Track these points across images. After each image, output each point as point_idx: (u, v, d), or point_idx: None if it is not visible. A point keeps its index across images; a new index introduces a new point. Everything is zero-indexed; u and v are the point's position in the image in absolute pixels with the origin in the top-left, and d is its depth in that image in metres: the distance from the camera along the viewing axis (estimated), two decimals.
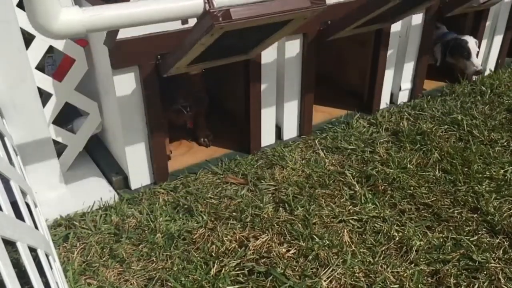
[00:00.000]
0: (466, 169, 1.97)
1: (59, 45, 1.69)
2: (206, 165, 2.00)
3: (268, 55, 1.96)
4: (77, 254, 1.55)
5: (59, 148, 1.85)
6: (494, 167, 1.98)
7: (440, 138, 2.19)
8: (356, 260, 1.52)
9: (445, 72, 2.80)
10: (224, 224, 1.67)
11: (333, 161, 2.05)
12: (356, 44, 2.44)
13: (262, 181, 1.90)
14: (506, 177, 1.92)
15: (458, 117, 2.35)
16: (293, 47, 2.03)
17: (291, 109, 2.18)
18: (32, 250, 0.94)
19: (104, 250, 1.57)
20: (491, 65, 2.90)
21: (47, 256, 1.10)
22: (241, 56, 1.76)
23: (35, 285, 0.83)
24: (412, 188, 1.86)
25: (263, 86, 2.01)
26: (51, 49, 1.99)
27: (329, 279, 1.46)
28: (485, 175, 1.93)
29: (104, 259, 1.53)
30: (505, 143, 2.15)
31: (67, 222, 1.68)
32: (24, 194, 1.23)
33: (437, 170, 1.97)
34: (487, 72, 2.89)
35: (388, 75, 2.43)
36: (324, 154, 2.10)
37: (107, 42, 1.56)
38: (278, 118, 2.18)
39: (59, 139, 1.83)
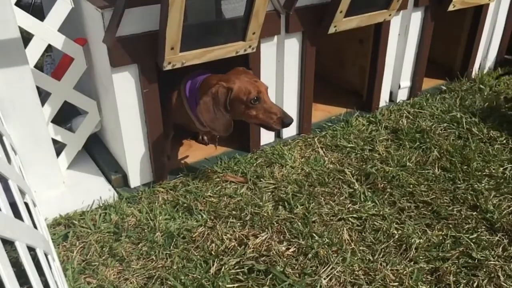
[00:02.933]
0: (465, 167, 1.97)
1: (58, 44, 1.69)
2: (205, 163, 2.00)
3: (268, 52, 1.96)
4: (77, 253, 1.55)
5: (58, 147, 1.85)
6: (493, 165, 1.98)
7: (440, 136, 2.19)
8: (355, 258, 1.52)
9: (444, 70, 2.81)
10: (223, 223, 1.67)
11: (333, 159, 2.05)
12: (355, 42, 2.44)
13: (261, 179, 1.90)
14: (505, 175, 1.92)
15: (457, 115, 2.35)
16: (292, 45, 2.02)
17: (291, 107, 2.18)
18: (31, 250, 0.94)
19: (104, 249, 1.57)
20: (490, 63, 2.90)
21: (46, 255, 1.09)
22: (239, 44, 1.76)
23: (34, 284, 0.83)
24: (411, 186, 1.86)
25: None
26: (50, 48, 2.00)
27: (329, 277, 1.46)
28: (484, 173, 1.93)
29: (103, 258, 1.53)
30: (504, 141, 2.15)
31: (67, 221, 1.68)
32: (22, 193, 1.23)
33: (436, 168, 1.97)
34: (486, 70, 2.88)
35: (387, 73, 2.42)
36: (324, 152, 2.10)
37: (106, 40, 1.56)
38: None
39: (58, 138, 1.83)
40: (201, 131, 2.00)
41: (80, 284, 1.44)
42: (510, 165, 1.98)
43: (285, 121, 1.67)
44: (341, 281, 1.45)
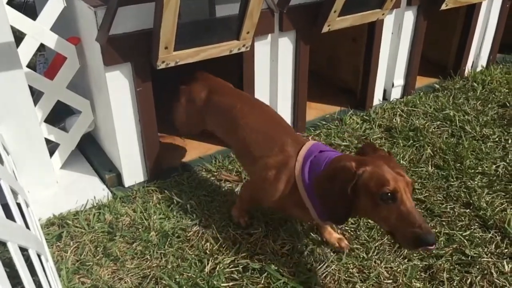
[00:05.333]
0: (458, 164, 1.98)
1: (50, 43, 1.68)
2: (199, 162, 2.00)
3: (262, 51, 1.96)
4: (71, 253, 1.55)
5: (52, 147, 1.84)
6: (486, 163, 1.99)
7: (433, 134, 2.21)
8: (350, 256, 1.53)
9: (437, 69, 2.83)
10: (218, 221, 1.67)
11: None
12: (349, 40, 2.45)
13: None
14: (498, 172, 1.93)
15: (450, 113, 2.36)
16: (286, 43, 2.03)
17: (285, 106, 2.18)
18: (24, 250, 0.93)
19: (98, 248, 1.56)
20: (483, 61, 2.92)
21: (39, 256, 1.09)
22: (233, 42, 1.75)
23: (26, 285, 0.83)
24: None
25: (256, 83, 2.00)
26: (42, 47, 1.98)
27: (324, 275, 1.46)
28: (477, 171, 1.94)
29: (98, 257, 1.53)
30: (497, 139, 2.17)
31: (60, 221, 1.67)
32: (15, 194, 1.23)
33: (429, 166, 1.98)
34: (479, 68, 2.90)
35: (381, 72, 2.43)
36: None
37: (99, 38, 1.55)
38: None
39: (51, 138, 1.82)
40: (321, 225, 1.57)
41: (74, 284, 1.43)
42: (503, 162, 1.99)
43: (424, 239, 1.11)
44: (335, 278, 1.45)
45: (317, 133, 2.22)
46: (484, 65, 2.93)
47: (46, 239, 1.58)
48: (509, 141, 2.14)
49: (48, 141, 1.78)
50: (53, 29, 1.66)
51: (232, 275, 1.46)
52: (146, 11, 1.57)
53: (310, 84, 2.21)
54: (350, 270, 1.48)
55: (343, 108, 2.44)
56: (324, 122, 2.31)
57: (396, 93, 2.57)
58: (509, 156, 2.02)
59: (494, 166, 1.97)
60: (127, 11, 1.55)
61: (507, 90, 2.62)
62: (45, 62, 2.50)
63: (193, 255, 1.53)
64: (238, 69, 1.96)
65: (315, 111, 2.41)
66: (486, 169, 1.95)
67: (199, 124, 1.84)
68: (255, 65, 1.96)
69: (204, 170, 1.96)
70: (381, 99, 2.53)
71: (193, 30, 1.65)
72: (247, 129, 1.56)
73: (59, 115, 1.96)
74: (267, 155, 1.46)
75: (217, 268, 1.48)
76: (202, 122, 1.81)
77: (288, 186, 1.40)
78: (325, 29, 2.00)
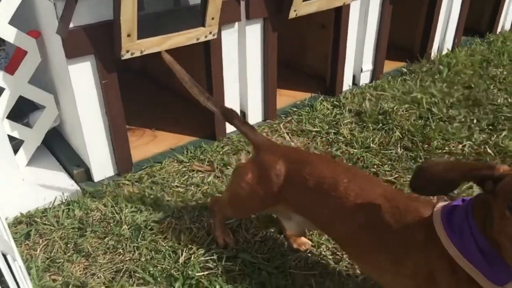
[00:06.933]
0: (426, 145, 2.03)
1: (9, 37, 1.61)
2: (171, 153, 1.98)
3: (229, 39, 1.94)
4: (40, 251, 1.51)
5: (16, 144, 1.78)
6: (452, 143, 2.04)
7: (401, 117, 2.24)
8: (322, 239, 1.55)
9: (404, 53, 2.87)
10: (191, 212, 1.67)
11: (299, 143, 2.07)
12: (317, 27, 2.45)
13: (228, 167, 1.90)
14: (464, 152, 1.99)
15: (418, 96, 2.40)
16: (253, 31, 2.01)
17: (255, 94, 2.18)
18: None
19: (68, 245, 1.53)
20: (448, 44, 2.98)
21: (5, 255, 1.06)
22: (199, 30, 1.73)
23: None
24: (375, 166, 1.91)
25: (225, 72, 1.99)
26: (3, 42, 1.91)
27: (298, 259, 1.48)
28: (444, 151, 1.99)
29: (68, 254, 1.50)
30: (463, 119, 2.23)
31: (28, 219, 1.63)
32: None
33: (398, 148, 2.02)
34: (444, 51, 2.96)
35: (350, 57, 2.45)
36: (290, 137, 2.12)
37: (60, 31, 1.51)
38: (242, 103, 2.18)
39: (15, 134, 1.77)
40: None
41: (45, 282, 1.40)
42: (469, 142, 2.04)
43: None
44: (308, 262, 1.47)
45: (288, 120, 2.23)
46: (450, 48, 3.00)
47: (14, 238, 1.53)
48: (474, 121, 2.20)
49: (12, 138, 1.73)
50: (12, 22, 1.60)
51: (207, 264, 1.46)
52: (107, 1, 1.53)
53: (280, 72, 2.21)
54: (323, 253, 1.51)
55: (313, 94, 2.46)
56: (295, 109, 2.32)
57: (365, 78, 2.60)
58: (475, 136, 2.08)
59: (460, 145, 2.03)
60: (87, 2, 1.51)
61: (471, 72, 2.69)
62: (6, 57, 2.42)
63: (166, 247, 1.52)
64: (206, 58, 1.93)
65: (285, 98, 2.42)
66: (453, 149, 2.00)
67: (268, 207, 1.42)
68: (223, 54, 1.94)
69: (175, 161, 1.94)
70: (351, 85, 2.56)
71: (157, 17, 1.62)
72: (365, 207, 1.15)
73: (22, 111, 1.91)
74: (405, 233, 1.08)
75: (192, 258, 1.47)
76: (274, 207, 1.39)
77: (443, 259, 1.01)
78: (292, 14, 2.00)
